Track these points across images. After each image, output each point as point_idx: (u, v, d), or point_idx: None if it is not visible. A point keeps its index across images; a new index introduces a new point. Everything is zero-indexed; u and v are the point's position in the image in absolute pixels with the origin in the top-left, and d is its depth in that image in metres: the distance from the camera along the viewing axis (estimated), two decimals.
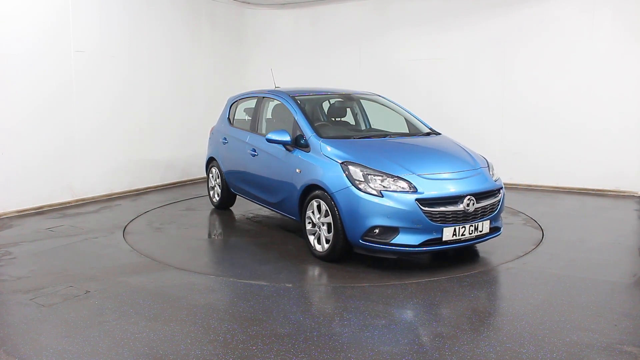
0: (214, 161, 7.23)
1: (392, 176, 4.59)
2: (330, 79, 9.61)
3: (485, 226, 4.76)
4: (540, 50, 8.46)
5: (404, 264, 4.92)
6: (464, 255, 5.14)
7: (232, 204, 7.29)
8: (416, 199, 4.45)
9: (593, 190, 8.25)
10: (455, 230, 4.55)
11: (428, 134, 5.86)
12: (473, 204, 4.61)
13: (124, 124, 8.26)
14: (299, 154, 5.28)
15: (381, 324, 3.60)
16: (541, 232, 5.95)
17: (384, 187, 4.54)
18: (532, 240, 5.65)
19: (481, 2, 8.91)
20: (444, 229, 4.51)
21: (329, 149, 5.02)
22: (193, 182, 9.52)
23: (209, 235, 6.15)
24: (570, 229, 6.14)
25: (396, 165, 4.73)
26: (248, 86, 10.75)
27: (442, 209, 4.51)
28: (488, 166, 5.21)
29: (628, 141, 7.97)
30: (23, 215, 6.78)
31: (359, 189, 4.56)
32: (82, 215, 6.86)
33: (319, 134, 5.28)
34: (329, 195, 4.77)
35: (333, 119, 6.26)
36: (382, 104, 6.39)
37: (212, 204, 7.41)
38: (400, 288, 4.26)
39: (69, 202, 7.45)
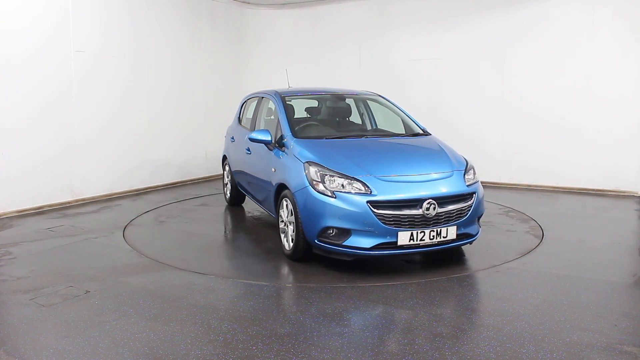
0: (226, 159, 7.45)
1: (348, 177, 4.53)
2: (330, 79, 9.61)
3: (450, 232, 4.56)
4: (540, 51, 8.47)
5: (404, 264, 4.92)
6: (463, 255, 5.13)
7: (242, 201, 7.43)
8: (367, 201, 4.36)
9: (593, 190, 8.24)
10: (412, 234, 4.40)
11: (415, 135, 5.75)
12: (434, 208, 4.43)
13: (124, 123, 8.26)
14: (277, 153, 5.35)
15: (381, 324, 3.60)
16: (541, 232, 5.95)
17: (339, 188, 4.49)
18: (532, 240, 5.65)
19: (481, 2, 8.91)
20: (399, 233, 4.37)
21: (298, 148, 5.05)
22: (193, 182, 9.52)
23: (192, 232, 6.15)
24: (570, 229, 6.14)
25: (356, 166, 4.66)
26: (248, 86, 10.76)
27: (396, 212, 4.38)
28: (466, 169, 4.98)
29: (628, 141, 7.97)
30: (23, 215, 6.78)
31: (316, 189, 4.55)
32: (82, 215, 6.86)
33: (295, 134, 5.32)
34: (292, 194, 4.81)
35: (327, 119, 6.29)
36: (381, 104, 6.39)
37: (225, 200, 7.62)
38: (400, 288, 4.25)
39: (69, 202, 7.45)
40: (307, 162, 4.78)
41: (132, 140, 8.42)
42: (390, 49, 9.73)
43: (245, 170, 6.48)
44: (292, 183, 4.84)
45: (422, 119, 8.73)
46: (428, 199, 4.45)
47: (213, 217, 6.96)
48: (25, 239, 5.72)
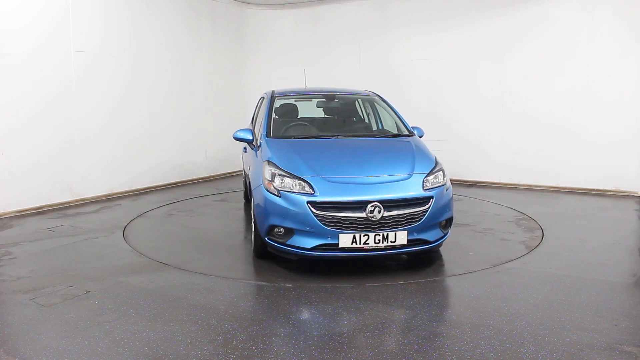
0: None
1: (296, 177, 4.53)
2: (330, 79, 9.61)
3: (400, 237, 4.39)
4: (540, 51, 8.46)
5: (404, 264, 4.92)
6: (462, 255, 5.13)
7: None
8: (307, 201, 4.35)
9: (593, 190, 8.24)
10: (355, 237, 4.31)
11: (396, 135, 5.65)
12: (379, 211, 4.31)
13: (124, 123, 8.26)
14: (255, 152, 5.42)
15: (381, 324, 3.60)
16: (541, 232, 5.95)
17: (287, 187, 4.50)
18: (532, 240, 5.64)
19: (481, 2, 8.91)
20: (340, 235, 4.31)
21: (265, 147, 5.13)
22: (193, 182, 9.52)
23: (194, 232, 6.14)
24: (570, 229, 6.14)
25: (307, 166, 4.64)
26: (248, 86, 10.79)
27: (336, 213, 4.31)
28: (431, 172, 4.74)
29: (628, 141, 7.96)
30: (23, 215, 6.78)
31: (267, 188, 4.61)
32: (82, 215, 6.86)
33: (269, 134, 5.39)
34: (252, 191, 4.93)
35: (320, 119, 6.37)
36: (377, 103, 6.33)
37: (244, 196, 7.79)
38: (400, 288, 4.25)
39: (69, 202, 7.45)
40: (265, 161, 4.85)
41: (132, 140, 8.42)
42: (390, 49, 9.73)
43: (244, 168, 6.64)
44: (252, 181, 4.99)
45: (422, 119, 8.73)
46: (373, 201, 4.33)
47: (220, 215, 6.96)
48: (25, 239, 5.72)
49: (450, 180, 5.02)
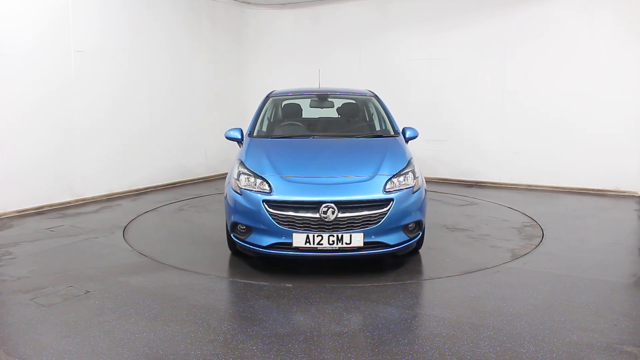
0: None
1: (258, 176, 4.60)
2: (330, 79, 9.61)
3: (355, 239, 4.32)
4: (540, 51, 8.47)
5: (404, 264, 4.92)
6: (462, 255, 5.13)
7: None
8: (263, 200, 4.41)
9: (593, 190, 8.24)
10: (308, 237, 4.31)
11: (378, 136, 5.54)
12: (333, 212, 4.28)
13: (124, 123, 8.26)
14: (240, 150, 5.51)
15: (381, 324, 3.60)
16: (541, 232, 5.94)
17: (249, 186, 4.57)
18: (523, 248, 5.57)
19: (481, 2, 8.91)
20: (294, 234, 4.33)
21: (244, 147, 5.26)
22: (193, 182, 9.52)
23: (194, 231, 6.14)
24: (570, 229, 6.14)
25: (271, 165, 4.71)
26: (248, 86, 10.79)
27: (290, 213, 4.34)
28: (398, 173, 4.63)
29: (628, 141, 7.97)
30: (23, 215, 6.78)
31: (232, 186, 4.73)
32: (82, 215, 6.86)
33: (251, 133, 5.52)
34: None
35: (312, 119, 6.41)
36: (373, 103, 6.26)
37: None
38: (400, 288, 4.25)
39: (69, 202, 7.45)
40: (238, 159, 4.99)
41: (132, 140, 8.42)
42: (390, 49, 9.73)
43: None
44: (227, 178, 5.09)
45: (422, 119, 8.74)
46: (327, 202, 4.30)
47: (221, 214, 6.95)
48: (25, 239, 5.72)
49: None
